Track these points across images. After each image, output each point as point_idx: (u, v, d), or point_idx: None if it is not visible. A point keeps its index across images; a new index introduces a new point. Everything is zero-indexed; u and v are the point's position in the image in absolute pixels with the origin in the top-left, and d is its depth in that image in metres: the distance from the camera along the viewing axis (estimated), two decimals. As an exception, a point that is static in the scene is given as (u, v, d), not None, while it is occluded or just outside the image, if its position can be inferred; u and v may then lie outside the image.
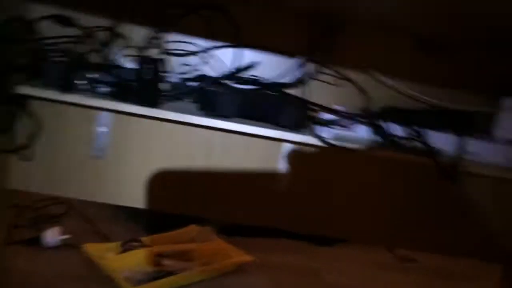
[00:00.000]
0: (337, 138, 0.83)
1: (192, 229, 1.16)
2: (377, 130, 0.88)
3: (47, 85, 0.77)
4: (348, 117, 0.87)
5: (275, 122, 0.83)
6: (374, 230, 1.09)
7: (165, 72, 0.89)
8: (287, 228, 1.08)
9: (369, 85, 0.98)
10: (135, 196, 1.01)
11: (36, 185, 0.97)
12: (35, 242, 1.02)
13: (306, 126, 0.83)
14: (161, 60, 0.76)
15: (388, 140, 0.86)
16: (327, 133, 0.84)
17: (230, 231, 1.48)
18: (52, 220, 1.33)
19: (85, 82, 0.77)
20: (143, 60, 0.75)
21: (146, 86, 0.76)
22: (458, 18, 0.77)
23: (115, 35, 0.88)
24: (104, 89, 0.77)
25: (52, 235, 1.02)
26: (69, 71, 0.76)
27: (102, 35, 0.87)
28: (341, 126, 0.89)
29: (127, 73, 0.77)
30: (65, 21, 0.84)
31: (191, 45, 0.93)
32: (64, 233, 1.03)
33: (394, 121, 0.89)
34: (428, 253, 1.33)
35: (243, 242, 1.43)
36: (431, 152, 0.83)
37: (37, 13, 0.88)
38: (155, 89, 0.77)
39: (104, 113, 0.95)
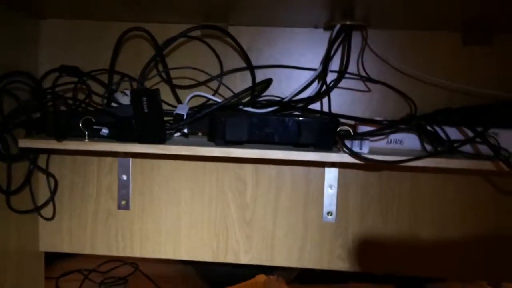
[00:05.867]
0: (379, 152, 0.69)
1: (260, 279, 1.08)
2: (429, 136, 0.72)
3: (49, 136, 0.74)
4: (390, 126, 0.72)
5: (300, 143, 0.71)
6: (461, 263, 0.89)
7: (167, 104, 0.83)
8: (358, 270, 0.92)
9: (407, 88, 0.83)
10: (168, 248, 0.92)
11: (63, 245, 0.92)
12: None
13: (338, 143, 0.70)
14: (157, 92, 0.68)
15: (446, 146, 0.70)
16: (366, 148, 0.70)
17: (306, 278, 1.36)
18: (118, 283, 1.32)
19: (86, 127, 0.71)
20: (139, 94, 0.67)
21: (147, 122, 0.69)
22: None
23: (114, 74, 0.82)
24: (105, 131, 0.71)
25: None
26: (69, 118, 0.71)
27: (101, 78, 0.82)
28: (383, 137, 0.75)
29: (125, 111, 0.70)
30: (71, 71, 0.80)
31: (196, 72, 0.86)
32: None
33: (449, 123, 0.72)
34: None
35: None
36: (502, 155, 0.66)
37: (43, 67, 0.88)
38: (157, 124, 0.69)
39: (121, 160, 0.90)
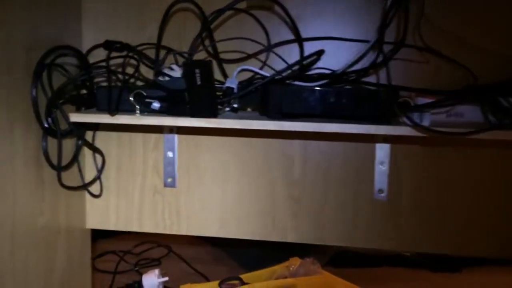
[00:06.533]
0: (440, 125, 0.65)
1: (294, 262, 1.06)
2: (494, 108, 0.68)
3: (99, 111, 0.73)
4: (453, 98, 0.69)
5: (359, 116, 0.68)
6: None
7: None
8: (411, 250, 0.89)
9: (464, 58, 0.79)
10: (214, 225, 0.91)
11: (110, 222, 0.92)
12: (136, 286, 1.00)
13: (397, 116, 0.67)
14: (211, 64, 0.66)
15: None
16: (427, 120, 0.66)
17: (339, 261, 1.35)
18: (152, 264, 1.34)
19: (137, 100, 0.70)
20: (192, 66, 0.65)
21: (199, 94, 0.67)
22: None
23: (161, 48, 0.80)
24: (156, 104, 0.70)
25: (150, 279, 0.98)
26: (121, 92, 0.70)
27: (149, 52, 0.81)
28: (445, 109, 0.71)
29: (176, 84, 0.68)
30: (115, 46, 0.78)
31: (243, 46, 0.84)
32: (163, 275, 0.99)
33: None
34: None
35: (354, 273, 1.29)
36: None
37: (86, 41, 0.87)
38: (210, 97, 0.67)
39: (167, 137, 0.88)
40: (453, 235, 0.86)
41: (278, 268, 1.06)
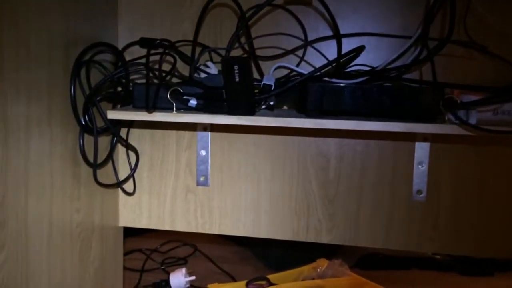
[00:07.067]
0: (486, 123, 0.62)
1: (322, 263, 1.05)
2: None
3: (136, 108, 0.72)
4: (502, 95, 0.66)
5: (403, 114, 0.65)
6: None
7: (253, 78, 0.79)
8: (450, 253, 0.86)
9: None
10: (247, 225, 0.90)
11: (142, 220, 0.92)
12: (163, 285, 1.01)
13: (440, 114, 0.64)
14: (249, 60, 0.65)
15: None
16: (473, 118, 0.63)
17: (367, 263, 1.33)
18: (178, 263, 1.33)
19: (174, 98, 0.69)
20: (231, 62, 0.64)
21: (237, 91, 0.65)
22: None
23: (198, 45, 0.79)
24: (193, 102, 0.69)
25: (178, 277, 0.99)
26: (157, 90, 0.69)
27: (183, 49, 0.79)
28: (493, 107, 0.68)
29: (215, 80, 0.67)
30: (150, 44, 0.78)
31: (279, 43, 0.82)
32: (190, 274, 1.00)
33: None
34: None
35: (382, 275, 1.26)
36: None
37: (122, 38, 0.86)
38: (248, 94, 0.66)
39: (201, 135, 0.87)
40: (495, 238, 0.83)
41: (305, 269, 1.05)
